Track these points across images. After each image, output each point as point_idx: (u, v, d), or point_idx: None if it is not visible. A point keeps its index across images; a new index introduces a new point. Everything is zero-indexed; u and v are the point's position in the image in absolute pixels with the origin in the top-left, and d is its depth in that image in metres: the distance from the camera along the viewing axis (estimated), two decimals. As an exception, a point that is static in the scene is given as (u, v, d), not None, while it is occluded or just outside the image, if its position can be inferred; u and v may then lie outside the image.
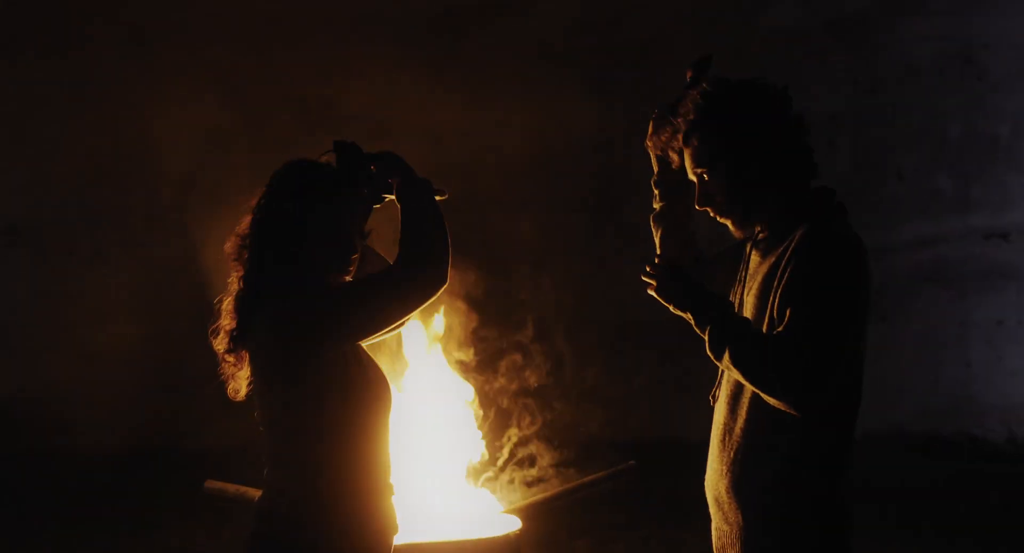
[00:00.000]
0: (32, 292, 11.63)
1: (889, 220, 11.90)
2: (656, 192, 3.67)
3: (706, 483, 3.39)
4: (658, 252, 3.65)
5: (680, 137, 3.33)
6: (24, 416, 11.20)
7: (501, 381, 6.11)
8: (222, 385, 3.37)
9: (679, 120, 3.32)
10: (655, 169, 3.66)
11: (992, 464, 10.82)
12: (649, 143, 3.56)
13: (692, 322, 3.23)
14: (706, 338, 3.20)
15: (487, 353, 6.06)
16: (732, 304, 3.26)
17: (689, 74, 3.49)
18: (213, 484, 4.69)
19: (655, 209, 3.69)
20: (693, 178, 3.33)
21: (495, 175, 11.29)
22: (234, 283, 3.25)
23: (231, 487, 4.62)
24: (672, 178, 3.61)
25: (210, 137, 11.37)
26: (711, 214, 3.34)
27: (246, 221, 3.24)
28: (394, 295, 3.09)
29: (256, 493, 4.47)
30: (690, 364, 3.93)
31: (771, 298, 3.18)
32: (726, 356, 3.13)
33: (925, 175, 11.96)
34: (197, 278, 11.18)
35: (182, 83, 11.49)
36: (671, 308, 3.26)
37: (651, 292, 3.27)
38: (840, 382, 3.18)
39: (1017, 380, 11.84)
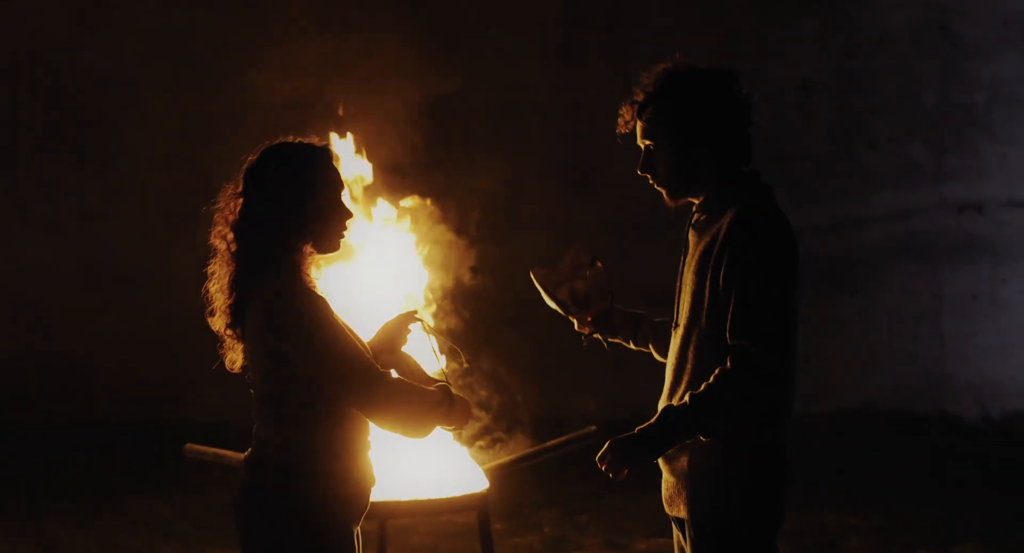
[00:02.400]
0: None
1: (861, 190, 12.11)
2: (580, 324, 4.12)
3: None
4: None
5: (636, 107, 3.81)
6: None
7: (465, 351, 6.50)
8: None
9: (637, 92, 3.81)
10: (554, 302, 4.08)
11: (965, 442, 11.08)
12: (534, 277, 4.05)
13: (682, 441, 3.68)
14: (702, 438, 3.64)
15: (453, 324, 6.45)
16: (671, 407, 3.66)
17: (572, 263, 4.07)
18: (193, 448, 5.14)
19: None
20: (641, 145, 3.81)
21: (461, 138, 11.62)
22: (224, 265, 3.66)
23: (210, 450, 5.08)
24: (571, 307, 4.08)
25: (171, 110, 11.63)
26: (649, 181, 3.82)
27: (234, 204, 3.65)
28: (358, 392, 3.57)
29: (233, 456, 4.94)
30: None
31: (709, 273, 3.65)
32: (725, 426, 3.61)
33: (899, 144, 12.17)
34: (153, 251, 11.49)
35: (142, 51, 11.79)
36: (655, 460, 3.69)
37: (624, 476, 3.66)
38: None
39: (991, 356, 12.11)
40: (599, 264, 4.06)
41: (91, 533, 7.93)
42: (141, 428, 11.15)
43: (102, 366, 11.71)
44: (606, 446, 3.65)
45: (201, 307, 3.73)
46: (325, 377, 3.56)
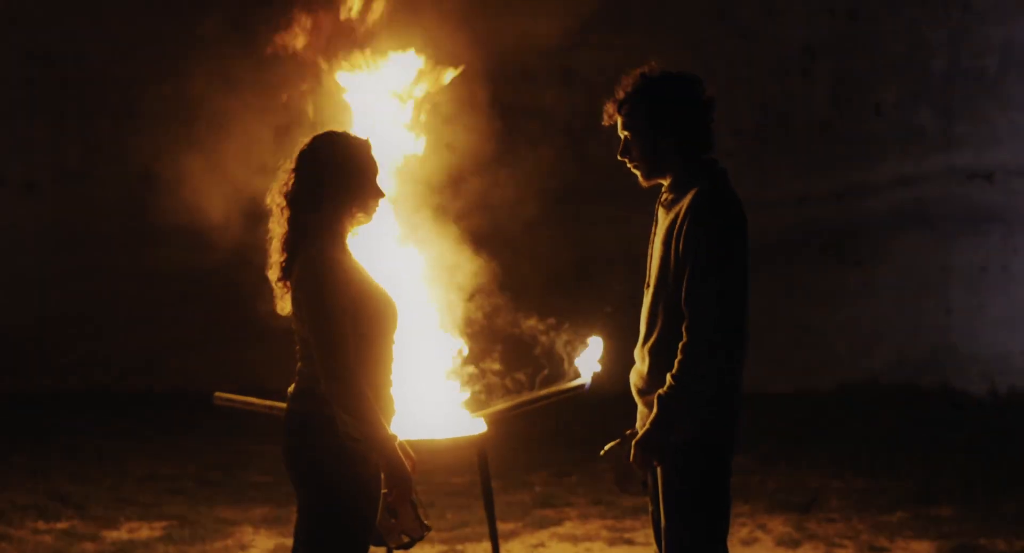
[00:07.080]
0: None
1: (866, 158, 12.96)
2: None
3: (630, 375, 5.29)
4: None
5: (616, 104, 5.23)
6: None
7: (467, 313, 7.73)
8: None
9: (618, 91, 5.23)
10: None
11: (968, 416, 11.95)
12: None
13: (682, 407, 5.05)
14: (705, 400, 5.03)
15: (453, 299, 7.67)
16: (662, 395, 5.00)
17: None
18: (222, 395, 6.52)
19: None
20: (620, 136, 5.19)
21: (452, 105, 12.64)
22: (278, 227, 5.01)
23: (239, 398, 6.47)
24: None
25: (151, 66, 12.63)
26: (627, 165, 5.21)
27: (288, 177, 5.00)
28: (325, 337, 4.81)
29: (262, 403, 6.34)
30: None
31: (672, 244, 5.02)
32: (707, 385, 4.98)
33: (906, 110, 12.98)
34: (132, 213, 12.52)
35: (123, 10, 12.78)
36: (669, 441, 5.05)
37: (653, 464, 5.06)
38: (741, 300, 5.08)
39: (1000, 329, 12.99)
40: (625, 434, 5.32)
41: (100, 488, 9.31)
42: (121, 394, 12.52)
43: (78, 331, 12.81)
44: (633, 451, 5.06)
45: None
46: (310, 337, 4.87)
